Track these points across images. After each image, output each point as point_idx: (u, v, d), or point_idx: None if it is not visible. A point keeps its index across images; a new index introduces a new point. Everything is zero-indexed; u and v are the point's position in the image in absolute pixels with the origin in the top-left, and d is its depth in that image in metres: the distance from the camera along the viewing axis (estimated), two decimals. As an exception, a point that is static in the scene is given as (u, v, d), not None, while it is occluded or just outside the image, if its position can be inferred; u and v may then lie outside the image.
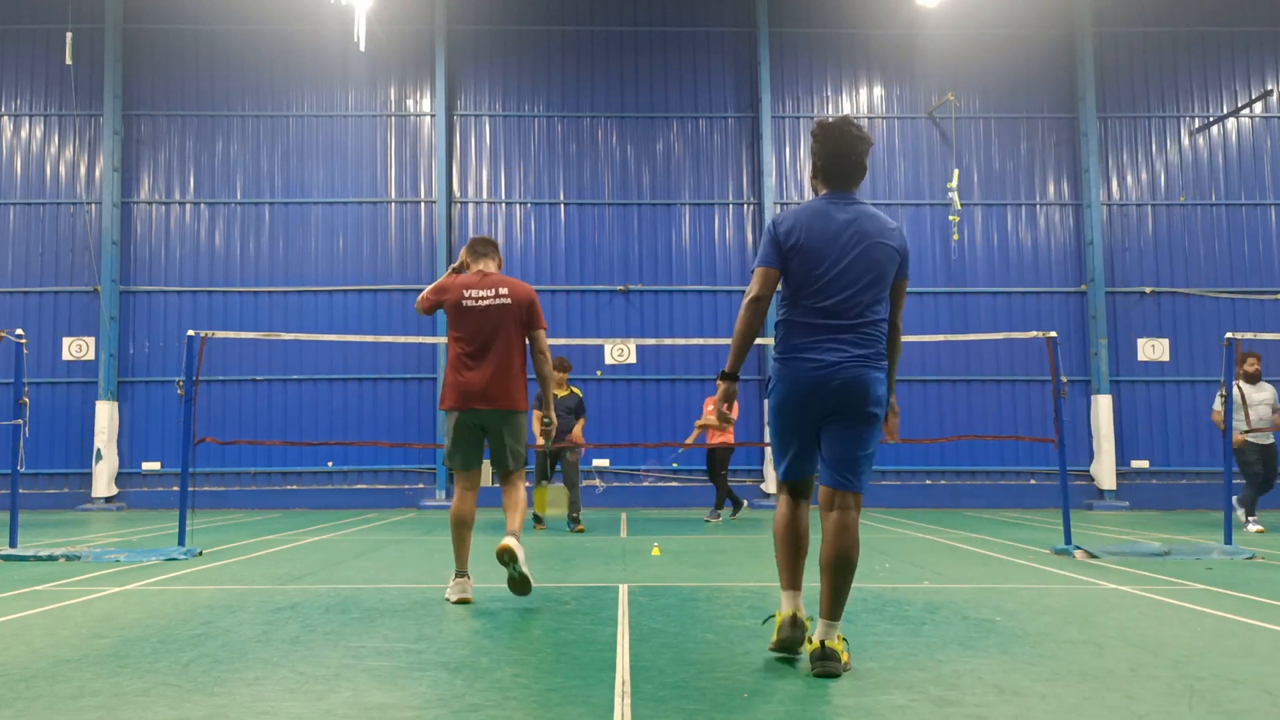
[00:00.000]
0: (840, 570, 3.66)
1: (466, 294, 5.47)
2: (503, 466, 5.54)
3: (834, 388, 3.69)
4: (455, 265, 5.79)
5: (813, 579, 3.89)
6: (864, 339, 3.73)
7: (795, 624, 3.82)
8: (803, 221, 3.80)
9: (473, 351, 5.39)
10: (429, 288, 5.64)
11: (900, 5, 17.44)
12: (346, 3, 15.74)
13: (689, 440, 13.05)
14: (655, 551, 8.22)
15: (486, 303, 5.45)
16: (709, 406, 12.52)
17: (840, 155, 3.85)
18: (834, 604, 3.65)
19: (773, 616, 4.01)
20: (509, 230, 17.26)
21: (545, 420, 5.72)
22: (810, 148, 3.98)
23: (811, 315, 3.75)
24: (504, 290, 5.49)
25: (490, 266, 5.68)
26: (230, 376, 16.62)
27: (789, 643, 3.82)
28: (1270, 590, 5.90)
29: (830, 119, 3.93)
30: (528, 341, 5.56)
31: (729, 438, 12.31)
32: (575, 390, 11.21)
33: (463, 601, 5.34)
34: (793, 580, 3.90)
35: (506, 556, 5.09)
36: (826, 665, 3.55)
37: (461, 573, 5.44)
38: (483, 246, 5.76)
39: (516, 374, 5.45)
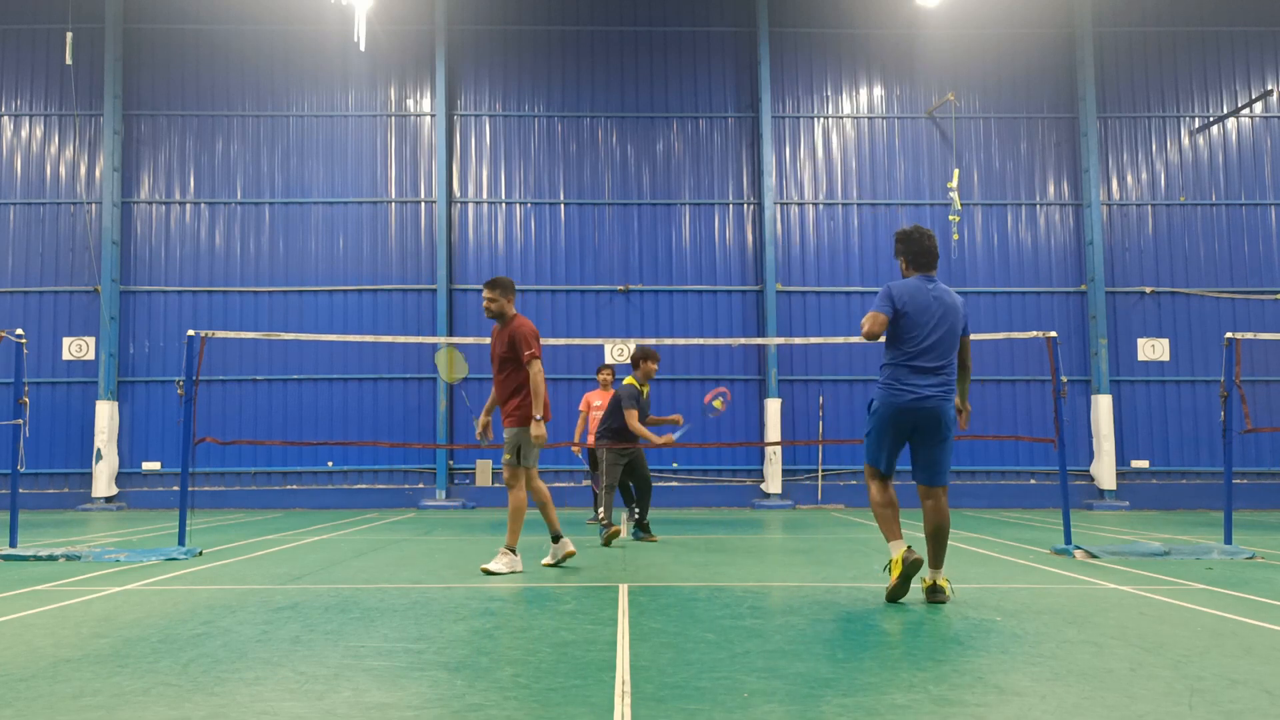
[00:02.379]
0: (938, 537, 5.33)
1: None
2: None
3: (922, 412, 5.24)
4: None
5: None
6: (945, 380, 5.31)
7: (911, 551, 5.16)
8: (908, 293, 5.35)
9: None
10: (537, 343, 6.79)
11: (900, 5, 17.44)
12: (346, 3, 15.74)
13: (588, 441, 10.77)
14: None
15: None
16: (596, 401, 10.97)
17: (925, 250, 5.46)
18: (937, 558, 5.33)
19: (888, 566, 5.29)
20: (509, 230, 17.27)
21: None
22: (897, 249, 5.56)
23: (910, 355, 5.28)
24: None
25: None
26: (230, 376, 16.63)
27: (910, 567, 5.14)
28: (1270, 590, 5.90)
29: (906, 228, 5.55)
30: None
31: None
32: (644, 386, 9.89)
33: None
34: (897, 532, 5.32)
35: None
36: (936, 596, 5.25)
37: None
38: (514, 288, 7.02)
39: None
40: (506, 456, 6.80)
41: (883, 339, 5.41)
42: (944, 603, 5.22)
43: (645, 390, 9.63)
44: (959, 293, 16.72)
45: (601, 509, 9.43)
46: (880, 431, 5.38)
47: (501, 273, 17.14)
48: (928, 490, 5.35)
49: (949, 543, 5.56)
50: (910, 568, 5.16)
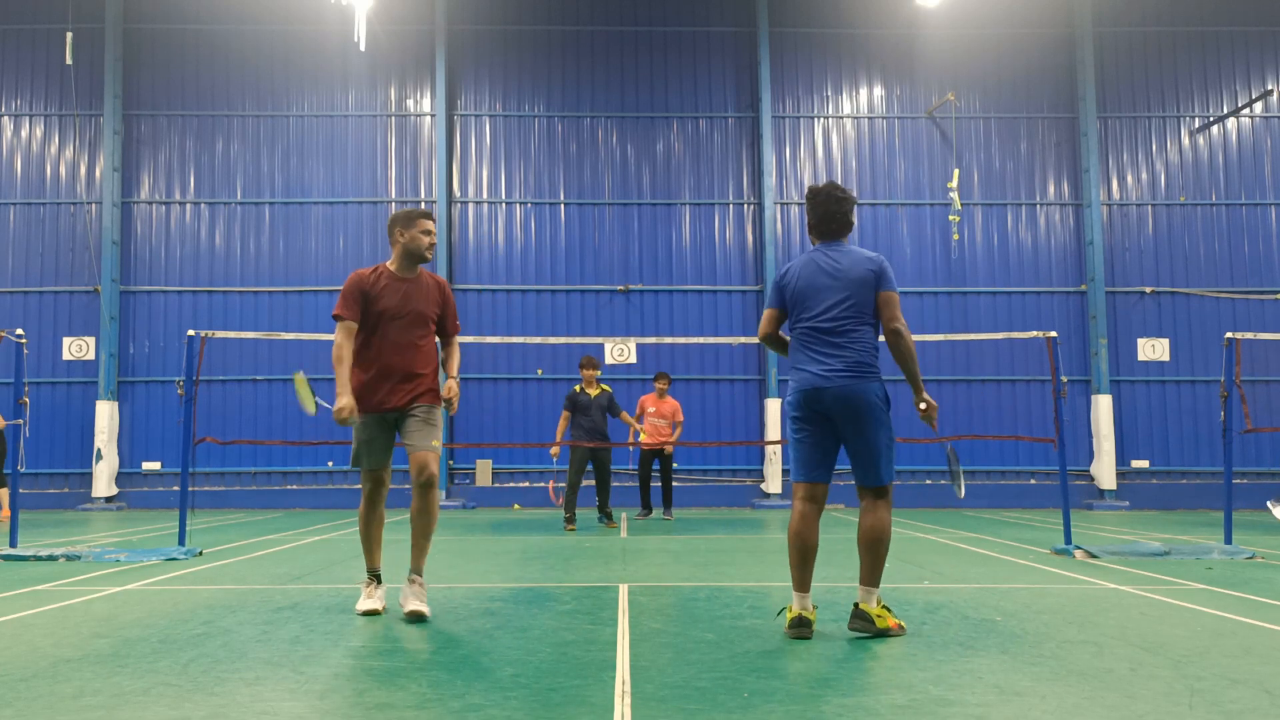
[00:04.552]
0: (871, 547, 4.36)
1: None
2: None
3: (830, 394, 4.38)
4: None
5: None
6: (848, 354, 4.40)
7: (801, 623, 4.32)
8: (795, 269, 4.62)
9: None
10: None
11: (900, 5, 17.44)
12: (346, 3, 15.74)
13: (642, 440, 12.25)
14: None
15: None
16: (651, 408, 12.16)
17: (828, 215, 4.61)
18: (869, 573, 4.36)
19: (784, 611, 4.51)
20: (509, 230, 17.27)
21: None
22: (805, 209, 4.73)
23: (805, 336, 4.52)
24: None
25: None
26: (230, 376, 16.62)
27: (798, 636, 4.31)
28: (1270, 590, 5.90)
29: (818, 185, 4.68)
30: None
31: (668, 438, 12.19)
32: (605, 388, 11.43)
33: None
34: (801, 583, 4.40)
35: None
36: (858, 624, 4.29)
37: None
38: None
39: None
40: (437, 442, 5.07)
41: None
42: (865, 633, 4.27)
43: (594, 392, 11.12)
44: (958, 294, 17.03)
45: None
46: (792, 428, 4.52)
47: (501, 273, 17.13)
48: (860, 491, 4.47)
49: (888, 557, 4.50)
50: (796, 636, 4.29)
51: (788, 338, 4.67)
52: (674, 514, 13.10)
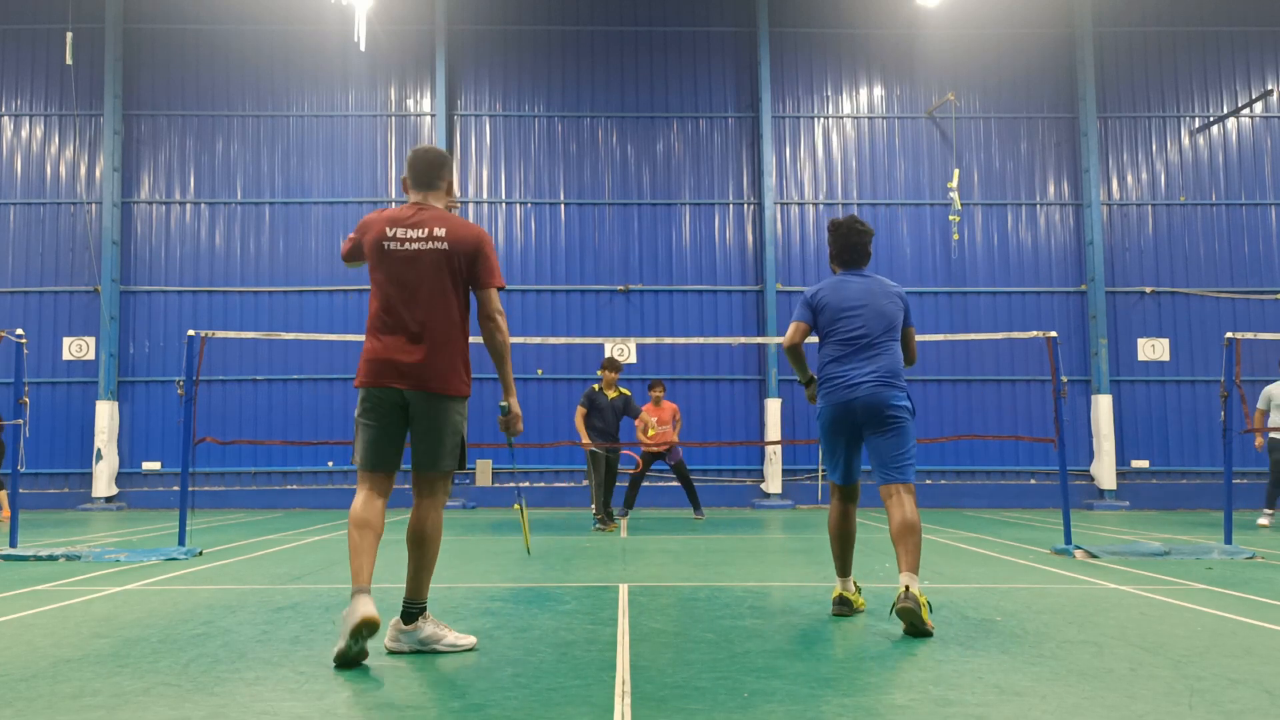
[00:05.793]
0: (905, 536, 4.59)
1: (389, 232, 4.00)
2: (422, 468, 4.14)
3: (859, 402, 4.75)
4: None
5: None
6: (881, 365, 4.79)
7: (843, 601, 4.90)
8: (826, 288, 5.00)
9: (392, 309, 4.01)
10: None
11: (900, 5, 17.44)
12: (346, 3, 15.75)
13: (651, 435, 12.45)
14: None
15: (416, 247, 3.98)
16: (651, 418, 12.09)
17: (849, 246, 5.04)
18: (908, 560, 4.53)
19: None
20: (509, 230, 17.27)
21: (503, 407, 4.19)
22: (827, 239, 5.18)
23: (837, 348, 4.88)
24: (441, 232, 3.99)
25: (434, 200, 4.14)
26: (230, 376, 16.62)
27: (839, 613, 4.90)
28: (1270, 590, 5.90)
29: (840, 219, 5.10)
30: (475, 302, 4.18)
31: (674, 438, 12.36)
32: (624, 391, 11.46)
33: (364, 626, 3.66)
34: (843, 569, 4.99)
35: (365, 631, 3.68)
36: (908, 604, 4.28)
37: (361, 589, 3.78)
38: (425, 168, 4.13)
39: (453, 345, 4.04)
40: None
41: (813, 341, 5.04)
42: (912, 613, 4.27)
43: (612, 395, 11.26)
44: (958, 294, 17.03)
45: (599, 507, 11.31)
46: (826, 438, 4.94)
47: (502, 273, 17.10)
48: (885, 489, 4.73)
49: (923, 541, 4.75)
50: (840, 614, 4.88)
51: (810, 372, 5.05)
52: (704, 513, 13.30)
